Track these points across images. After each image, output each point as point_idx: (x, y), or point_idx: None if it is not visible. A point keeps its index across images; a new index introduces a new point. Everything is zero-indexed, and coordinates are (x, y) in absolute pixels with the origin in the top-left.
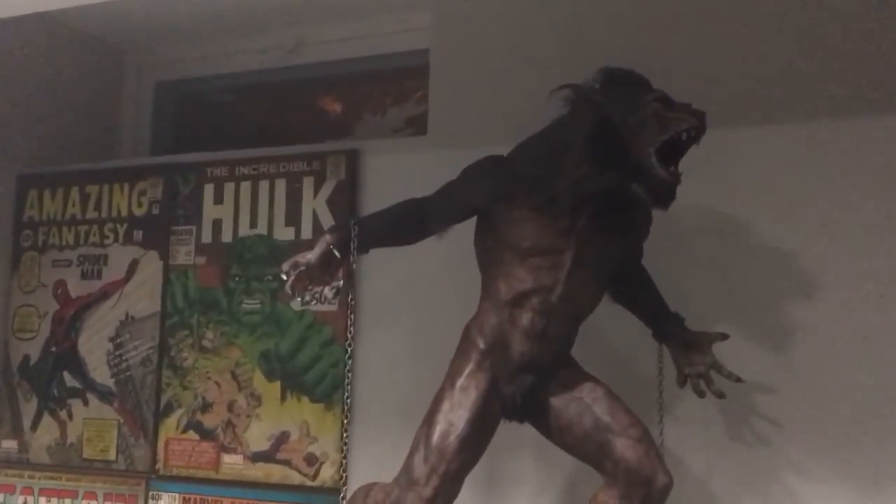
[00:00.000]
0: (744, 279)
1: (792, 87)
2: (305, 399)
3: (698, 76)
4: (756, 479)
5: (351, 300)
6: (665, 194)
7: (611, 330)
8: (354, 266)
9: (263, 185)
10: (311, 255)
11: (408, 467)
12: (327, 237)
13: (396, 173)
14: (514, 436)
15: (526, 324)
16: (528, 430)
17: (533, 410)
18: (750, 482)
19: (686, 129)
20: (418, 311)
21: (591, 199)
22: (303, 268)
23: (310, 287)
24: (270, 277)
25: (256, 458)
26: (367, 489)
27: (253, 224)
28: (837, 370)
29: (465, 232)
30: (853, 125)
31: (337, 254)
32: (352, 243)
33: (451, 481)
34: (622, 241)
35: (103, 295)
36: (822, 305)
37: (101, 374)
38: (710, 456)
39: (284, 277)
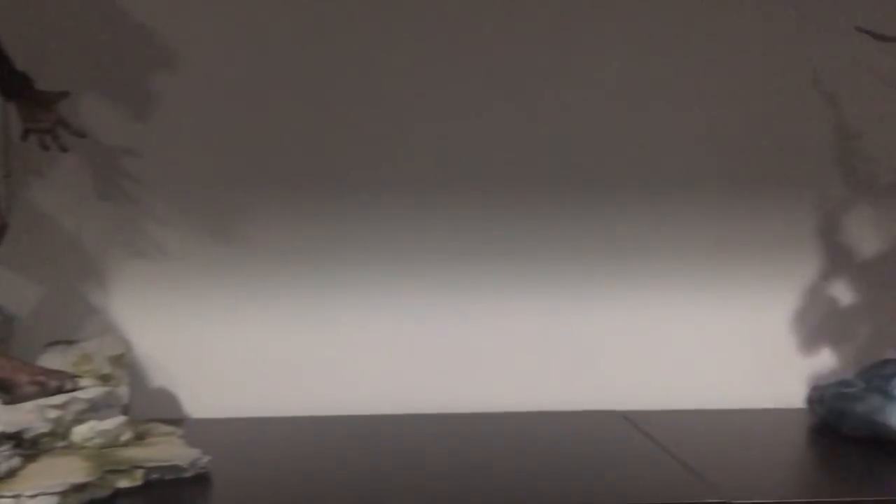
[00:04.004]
0: (108, 51)
1: None
2: None
3: None
4: (124, 232)
5: None
6: None
7: None
8: None
9: None
10: None
11: None
12: None
13: None
14: None
15: None
16: None
17: None
18: (119, 236)
19: None
20: None
21: None
22: None
23: None
24: None
25: None
26: None
27: None
28: (195, 132)
29: None
30: None
31: None
32: None
33: None
34: None
35: None
36: (181, 81)
37: None
38: (81, 215)
39: None
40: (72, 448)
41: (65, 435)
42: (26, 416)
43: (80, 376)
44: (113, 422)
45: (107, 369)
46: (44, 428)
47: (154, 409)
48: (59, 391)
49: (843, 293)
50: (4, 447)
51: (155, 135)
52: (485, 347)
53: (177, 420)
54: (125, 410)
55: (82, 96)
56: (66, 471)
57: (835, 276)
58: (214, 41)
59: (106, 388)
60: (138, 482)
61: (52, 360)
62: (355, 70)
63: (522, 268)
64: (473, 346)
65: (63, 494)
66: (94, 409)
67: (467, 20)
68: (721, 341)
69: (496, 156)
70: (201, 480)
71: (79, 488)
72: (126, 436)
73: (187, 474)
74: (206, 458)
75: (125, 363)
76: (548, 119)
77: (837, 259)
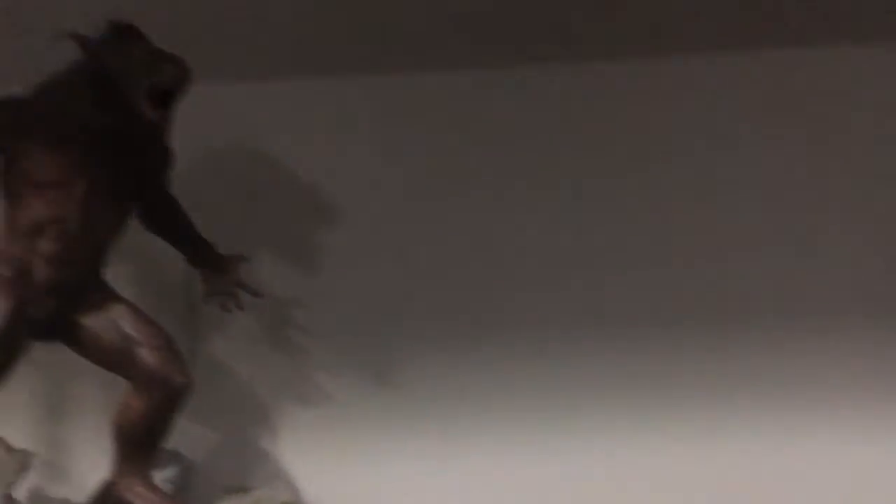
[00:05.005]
0: (276, 208)
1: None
2: None
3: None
4: (294, 381)
5: None
6: (157, 132)
7: (156, 252)
8: None
9: None
10: None
11: None
12: None
13: None
14: (78, 364)
15: (46, 251)
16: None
17: (64, 331)
18: (290, 386)
19: (169, 79)
20: None
21: (98, 135)
22: None
23: None
24: None
25: None
26: None
27: None
28: (360, 284)
29: None
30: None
31: None
32: None
33: None
34: (137, 172)
35: None
36: (345, 237)
37: None
38: (253, 365)
39: None
40: None
41: None
42: None
43: None
44: None
45: None
46: None
47: None
48: None
49: None
50: None
51: (322, 287)
52: (635, 488)
53: None
54: None
55: (256, 254)
56: None
57: None
58: (377, 196)
59: None
60: None
61: None
62: (514, 220)
63: (670, 408)
64: (623, 486)
65: None
66: None
67: (607, 173)
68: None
69: (643, 296)
70: None
71: None
72: None
73: None
74: None
75: None
76: (691, 256)
77: None
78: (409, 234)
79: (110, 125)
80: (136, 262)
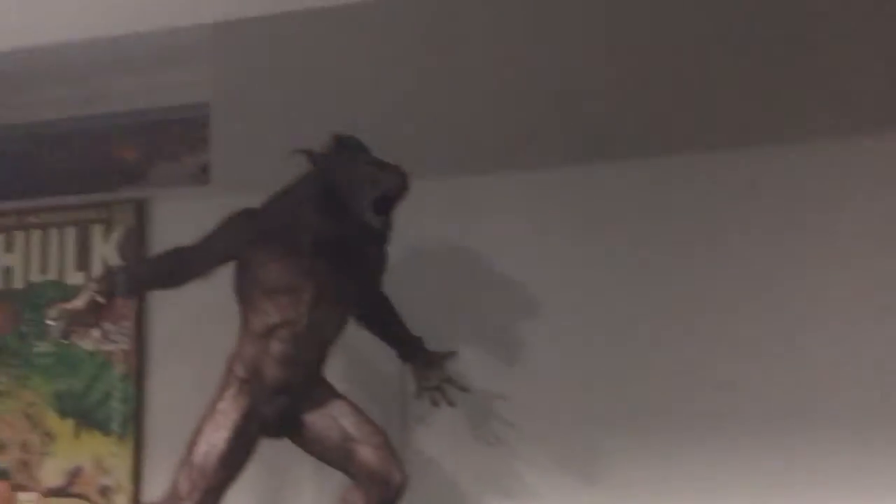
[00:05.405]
0: (480, 306)
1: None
2: (98, 434)
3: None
4: (496, 473)
5: (138, 337)
6: (380, 238)
7: (369, 349)
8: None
9: (53, 233)
10: (78, 302)
11: (173, 485)
12: (92, 285)
13: (182, 221)
14: (294, 450)
15: (277, 353)
16: None
17: (289, 427)
18: (491, 476)
19: (391, 189)
20: (208, 344)
21: (325, 243)
22: (67, 316)
23: (79, 330)
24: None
25: (51, 493)
26: None
27: (44, 270)
28: (561, 377)
29: None
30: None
31: (101, 300)
32: (115, 289)
33: (212, 495)
34: (358, 275)
35: None
36: (544, 328)
37: None
38: (457, 456)
39: (51, 324)
40: None
41: None
42: None
43: None
44: None
45: None
46: None
47: None
48: None
49: None
50: None
51: (524, 380)
52: None
53: None
54: None
55: (461, 349)
56: None
57: None
58: (576, 288)
59: None
60: None
61: None
62: (716, 313)
63: None
64: None
65: None
66: None
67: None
68: None
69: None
70: None
71: None
72: None
73: None
74: None
75: None
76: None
77: None
78: (609, 325)
79: (337, 233)
80: (351, 359)
